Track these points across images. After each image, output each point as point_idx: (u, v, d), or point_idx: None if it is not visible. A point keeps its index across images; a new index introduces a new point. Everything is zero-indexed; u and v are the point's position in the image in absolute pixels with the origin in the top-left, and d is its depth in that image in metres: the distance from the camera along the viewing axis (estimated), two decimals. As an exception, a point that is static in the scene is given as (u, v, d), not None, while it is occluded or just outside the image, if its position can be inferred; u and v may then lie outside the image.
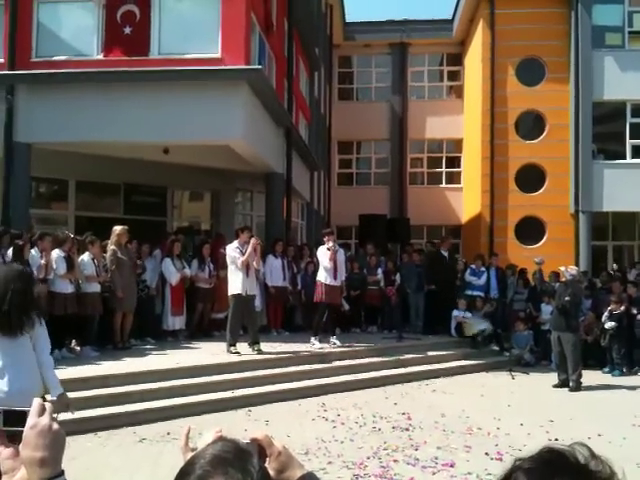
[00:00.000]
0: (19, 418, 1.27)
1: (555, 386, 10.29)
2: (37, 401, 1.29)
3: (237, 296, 9.86)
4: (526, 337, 12.60)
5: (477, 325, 12.38)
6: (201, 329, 11.74)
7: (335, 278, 10.77)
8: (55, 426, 1.26)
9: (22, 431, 1.25)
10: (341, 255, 11.05)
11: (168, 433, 7.02)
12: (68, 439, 4.47)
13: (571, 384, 10.13)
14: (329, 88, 25.53)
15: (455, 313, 12.80)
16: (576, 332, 10.46)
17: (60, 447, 1.27)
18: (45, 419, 1.26)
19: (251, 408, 8.25)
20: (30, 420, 1.25)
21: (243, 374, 9.09)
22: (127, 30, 12.23)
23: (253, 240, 10.04)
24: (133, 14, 12.30)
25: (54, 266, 9.07)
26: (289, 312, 13.04)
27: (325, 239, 10.95)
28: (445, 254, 13.94)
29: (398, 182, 25.68)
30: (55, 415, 1.29)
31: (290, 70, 16.20)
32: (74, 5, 12.72)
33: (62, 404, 4.40)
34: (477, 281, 13.52)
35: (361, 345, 11.40)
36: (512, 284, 13.92)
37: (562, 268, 10.93)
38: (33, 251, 9.04)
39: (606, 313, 11.82)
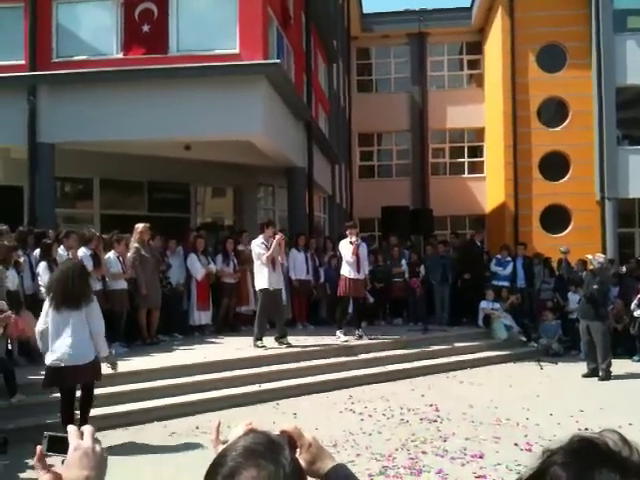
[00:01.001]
0: (62, 443, 1.28)
1: (584, 376, 10.17)
2: (73, 428, 1.31)
3: (264, 291, 9.89)
4: (554, 327, 12.47)
5: (501, 331, 12.20)
6: (227, 324, 11.81)
7: (358, 271, 10.74)
8: (97, 448, 1.28)
9: (64, 457, 1.26)
10: (363, 248, 11.01)
11: (197, 427, 7.07)
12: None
13: (601, 373, 10.01)
14: (348, 80, 25.43)
15: (483, 305, 12.67)
16: (605, 321, 10.32)
17: (103, 467, 1.28)
18: (88, 441, 1.27)
19: (278, 401, 8.28)
20: (73, 442, 1.27)
21: (270, 368, 9.12)
22: (145, 28, 12.29)
23: (278, 235, 10.04)
24: (151, 12, 12.35)
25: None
26: (314, 305, 13.04)
27: (347, 232, 10.92)
28: (478, 244, 13.89)
29: (420, 173, 25.55)
30: (96, 436, 1.31)
31: (308, 63, 16.17)
32: (92, 5, 12.81)
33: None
34: (503, 271, 13.40)
35: (387, 337, 11.36)
36: (539, 273, 13.77)
37: (589, 256, 10.79)
38: (60, 249, 9.13)
39: (635, 301, 11.65)
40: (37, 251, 9.00)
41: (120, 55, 12.33)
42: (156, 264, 10.39)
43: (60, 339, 5.95)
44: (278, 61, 12.38)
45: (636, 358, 11.58)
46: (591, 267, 10.49)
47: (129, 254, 10.08)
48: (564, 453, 0.99)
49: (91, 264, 9.24)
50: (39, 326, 6.16)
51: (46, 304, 6.14)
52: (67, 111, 11.62)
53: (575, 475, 0.96)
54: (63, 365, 5.95)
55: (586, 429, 6.94)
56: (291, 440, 1.33)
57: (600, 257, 10.71)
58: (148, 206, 14.72)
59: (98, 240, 9.70)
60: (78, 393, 6.41)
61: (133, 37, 12.33)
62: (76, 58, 12.30)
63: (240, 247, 12.06)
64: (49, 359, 6.02)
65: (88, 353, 6.04)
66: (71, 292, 5.96)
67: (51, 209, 11.95)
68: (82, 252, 9.24)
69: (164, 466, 5.86)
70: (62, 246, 9.21)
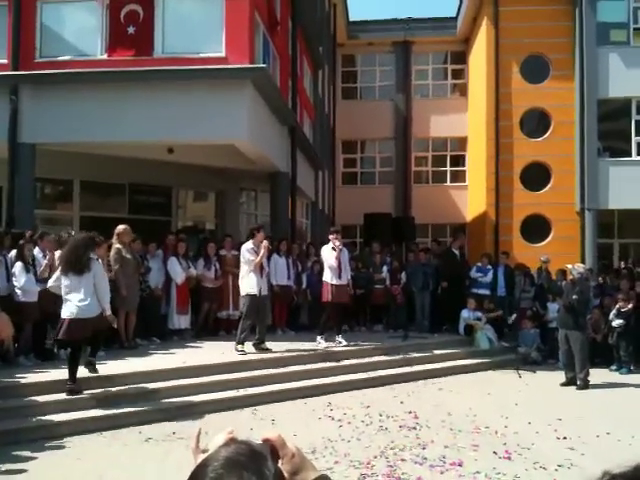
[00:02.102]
0: None
1: (562, 384, 10.22)
2: None
3: (252, 296, 9.82)
4: (533, 335, 12.54)
5: (483, 342, 12.27)
6: (207, 328, 11.73)
7: (340, 277, 10.73)
8: None
9: None
10: (345, 254, 11.02)
11: (174, 432, 6.99)
12: (73, 439, 4.43)
13: (579, 382, 10.06)
14: (333, 87, 25.49)
15: (464, 314, 12.70)
16: (584, 330, 10.39)
17: None
18: None
19: (257, 407, 8.22)
20: None
21: (249, 373, 9.06)
22: (131, 30, 12.21)
23: (265, 243, 10.00)
24: (137, 14, 12.27)
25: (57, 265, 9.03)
26: (294, 311, 13.00)
27: (331, 237, 10.91)
28: (456, 252, 13.87)
29: (403, 181, 25.64)
30: None
31: (294, 69, 16.17)
32: (77, 5, 12.70)
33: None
34: (483, 278, 13.48)
35: (367, 344, 11.35)
36: (519, 283, 13.86)
37: (569, 266, 10.86)
38: (35, 251, 9.00)
39: (614, 311, 11.75)
40: (13, 252, 8.87)
41: (105, 56, 12.23)
42: (136, 267, 10.29)
43: (71, 298, 7.33)
44: (264, 66, 12.37)
45: (614, 367, 11.67)
46: (571, 277, 10.55)
47: (111, 254, 9.97)
48: (624, 478, 0.95)
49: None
50: (50, 283, 7.71)
51: (58, 270, 7.61)
52: (49, 112, 11.50)
53: None
54: (74, 318, 7.26)
55: (564, 438, 6.98)
56: (274, 450, 1.29)
57: (580, 267, 10.79)
58: (129, 208, 14.59)
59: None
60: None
61: (118, 38, 12.24)
62: (60, 58, 12.18)
63: (223, 252, 12.00)
64: (64, 314, 7.34)
65: (94, 309, 7.40)
66: (76, 261, 7.36)
67: (30, 210, 11.80)
68: (59, 254, 9.11)
69: (140, 473, 5.77)
70: (37, 248, 9.07)
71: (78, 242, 7.54)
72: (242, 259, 10.01)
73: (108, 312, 7.62)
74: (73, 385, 7.39)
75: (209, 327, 11.77)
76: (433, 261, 13.95)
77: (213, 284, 11.63)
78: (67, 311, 7.34)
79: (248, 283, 9.87)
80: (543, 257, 14.29)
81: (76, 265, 7.36)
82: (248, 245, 10.00)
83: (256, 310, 9.86)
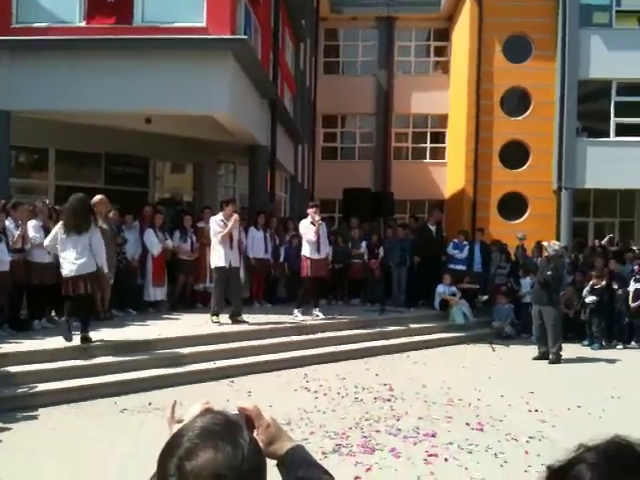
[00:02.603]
0: None
1: (535, 358, 10.39)
2: None
3: (221, 268, 9.82)
4: (507, 310, 12.71)
5: (459, 317, 12.38)
6: (183, 300, 11.69)
7: (319, 251, 10.74)
8: None
9: None
10: (324, 228, 11.03)
11: (150, 404, 7.00)
12: (48, 410, 4.42)
13: (551, 356, 10.24)
14: (315, 61, 25.24)
15: (440, 289, 12.80)
16: (557, 306, 10.55)
17: None
18: None
19: (233, 379, 8.25)
20: None
21: (225, 345, 9.08)
22: (110, -3, 11.95)
23: (235, 216, 9.96)
24: (116, -19, 12.01)
25: (30, 236, 8.91)
26: (271, 284, 13.01)
27: (311, 212, 10.88)
28: (432, 228, 13.90)
29: (382, 157, 25.60)
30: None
31: (276, 41, 15.97)
32: (55, -30, 12.39)
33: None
34: (459, 254, 13.59)
35: (344, 317, 11.42)
36: (495, 259, 13.99)
37: (545, 243, 10.98)
38: (7, 221, 8.84)
39: (587, 288, 11.94)
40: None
41: (83, 24, 11.96)
42: (113, 238, 10.19)
43: (69, 257, 7.82)
44: (245, 37, 12.18)
45: (586, 343, 11.88)
46: (546, 254, 10.67)
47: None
48: (597, 453, 0.96)
49: (42, 236, 9.01)
50: (46, 242, 8.18)
51: (56, 228, 8.04)
52: (25, 78, 11.25)
53: (599, 478, 0.93)
54: (73, 275, 7.79)
55: (536, 410, 7.11)
56: (249, 420, 1.29)
57: (555, 244, 10.91)
58: (105, 179, 14.38)
59: (49, 212, 9.47)
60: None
61: (97, 6, 11.96)
62: (37, 25, 11.89)
63: (200, 224, 11.93)
64: (63, 272, 7.88)
65: (91, 266, 7.91)
66: (75, 221, 7.86)
67: (5, 179, 11.58)
68: (32, 224, 9.00)
69: (115, 443, 5.77)
70: (10, 217, 8.91)
71: (78, 203, 8.02)
72: (211, 232, 10.01)
73: (106, 270, 8.56)
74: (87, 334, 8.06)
75: (186, 299, 11.74)
76: (410, 237, 14.01)
77: (189, 256, 11.58)
78: (65, 270, 7.87)
79: (216, 255, 9.88)
80: (519, 234, 14.46)
81: (79, 225, 7.86)
82: (217, 218, 10.00)
83: (226, 282, 9.84)
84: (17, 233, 8.75)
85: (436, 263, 13.49)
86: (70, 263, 7.81)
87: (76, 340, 8.02)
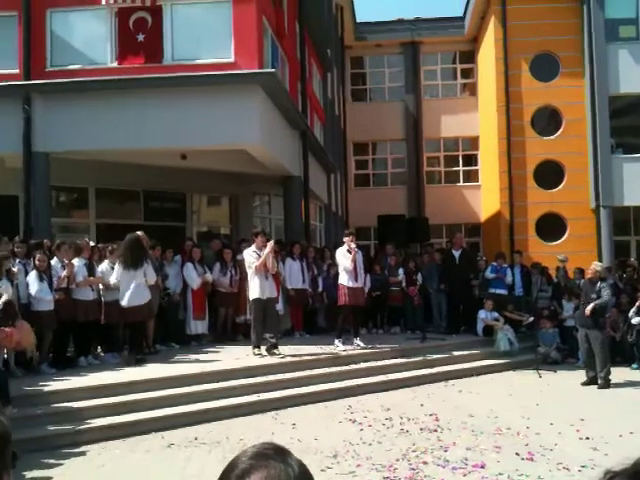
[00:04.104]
0: None
1: (583, 384, 10.12)
2: None
3: (257, 300, 9.82)
4: (552, 335, 12.43)
5: (504, 343, 12.12)
6: (225, 333, 11.72)
7: (356, 280, 10.70)
8: None
9: None
10: (359, 256, 10.98)
11: (196, 438, 7.00)
12: (96, 446, 4.46)
13: (600, 381, 9.97)
14: (342, 89, 25.48)
15: (482, 315, 12.58)
16: (603, 329, 10.29)
17: None
18: None
19: (277, 411, 8.21)
20: None
21: (268, 377, 9.04)
22: (140, 37, 12.28)
23: (270, 243, 9.99)
24: (145, 21, 12.34)
25: (75, 274, 9.09)
26: (310, 314, 12.98)
27: (346, 240, 10.87)
28: (456, 254, 13.63)
29: (415, 182, 25.57)
30: None
31: (303, 72, 16.18)
32: (86, 13, 12.77)
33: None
34: (497, 277, 13.33)
35: (385, 346, 11.31)
36: (536, 282, 13.74)
37: (594, 265, 10.71)
38: (53, 261, 9.05)
39: (634, 309, 11.64)
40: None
41: (115, 64, 12.30)
42: (156, 273, 10.31)
43: (128, 289, 8.97)
44: (273, 70, 12.36)
45: (635, 366, 11.54)
46: (589, 276, 10.45)
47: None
48: (628, 477, 0.94)
49: (85, 274, 9.18)
50: (113, 280, 9.24)
51: (117, 266, 9.19)
52: (62, 120, 11.55)
53: None
54: (133, 305, 8.97)
55: (587, 438, 6.92)
56: None
57: (598, 265, 10.70)
58: (144, 215, 14.64)
59: (92, 250, 9.65)
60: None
61: (127, 46, 12.31)
62: (70, 67, 12.26)
63: (239, 257, 12.00)
64: (123, 303, 9.01)
65: (147, 296, 9.19)
66: (133, 257, 9.09)
67: (47, 219, 11.84)
68: (76, 262, 9.17)
69: (163, 478, 5.77)
70: (55, 257, 9.12)
71: (134, 241, 9.29)
72: (245, 264, 10.05)
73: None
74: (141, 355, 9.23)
75: (228, 332, 11.77)
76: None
77: (227, 290, 11.62)
78: (126, 300, 8.99)
79: (253, 287, 9.88)
80: (560, 256, 14.13)
81: (136, 261, 9.06)
82: (250, 250, 10.03)
83: (263, 313, 9.83)
84: (63, 274, 8.91)
85: (466, 289, 13.27)
86: (130, 295, 8.94)
87: (123, 376, 8.08)
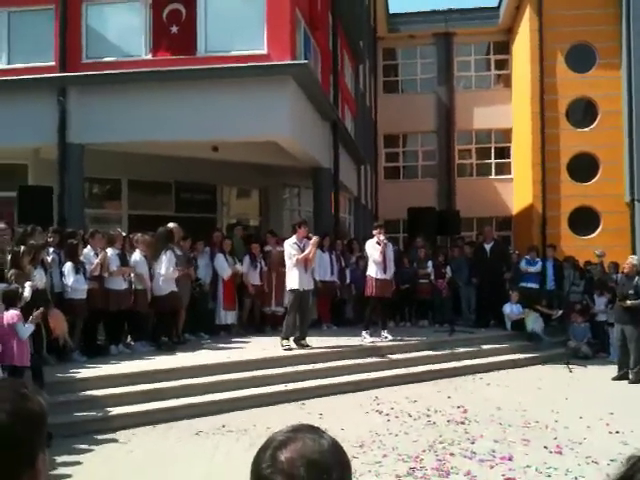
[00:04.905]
0: None
1: (614, 378, 9.99)
2: None
3: (295, 291, 9.84)
4: (583, 329, 12.28)
5: (535, 323, 12.05)
6: (253, 324, 11.81)
7: (385, 272, 10.69)
8: None
9: None
10: (390, 249, 10.96)
11: (223, 426, 7.10)
12: (126, 432, 4.58)
13: (631, 376, 9.83)
14: (374, 81, 25.36)
15: (507, 310, 12.47)
16: (639, 326, 10.09)
17: None
18: None
19: (304, 401, 8.27)
20: None
21: (296, 368, 9.12)
22: (174, 29, 12.36)
23: (316, 238, 10.00)
24: (179, 13, 12.42)
25: (109, 264, 9.25)
26: (338, 306, 13.00)
27: (375, 232, 10.87)
28: (487, 247, 13.51)
29: (446, 174, 25.38)
30: None
31: (335, 64, 16.15)
32: (121, 6, 12.91)
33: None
34: (532, 268, 13.19)
35: (413, 339, 11.29)
36: (569, 276, 13.58)
37: (631, 259, 10.52)
38: (86, 250, 9.22)
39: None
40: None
41: (149, 56, 12.41)
42: (187, 264, 10.45)
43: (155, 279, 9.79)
44: (306, 62, 12.37)
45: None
46: (626, 270, 10.26)
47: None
48: None
49: (118, 264, 9.34)
50: (165, 270, 9.68)
51: (167, 255, 9.74)
52: (96, 112, 11.73)
53: None
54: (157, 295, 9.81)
55: (617, 432, 6.84)
56: None
57: (635, 259, 10.51)
58: (175, 206, 14.81)
59: (124, 240, 9.81)
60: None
61: (161, 38, 12.41)
62: (105, 59, 12.41)
63: (267, 248, 12.07)
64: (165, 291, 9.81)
65: (169, 286, 9.82)
66: (159, 249, 9.86)
67: (80, 209, 12.07)
68: (110, 252, 9.34)
69: (192, 464, 5.88)
70: (89, 246, 9.30)
71: (161, 235, 9.96)
72: (286, 255, 10.06)
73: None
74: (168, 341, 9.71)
75: (256, 323, 11.87)
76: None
77: (254, 283, 11.64)
78: (153, 289, 9.82)
79: (291, 278, 9.91)
80: (598, 251, 13.84)
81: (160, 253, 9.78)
82: (291, 241, 10.03)
83: (299, 305, 9.88)
84: (96, 261, 9.08)
85: (498, 282, 13.16)
86: (155, 285, 9.64)
87: (154, 365, 8.22)
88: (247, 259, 11.68)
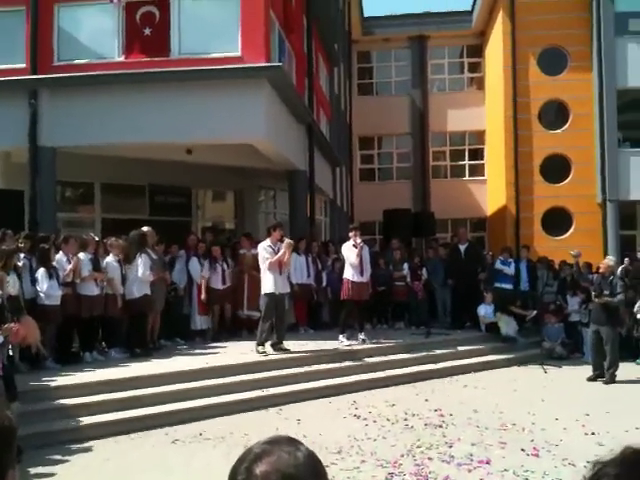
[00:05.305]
0: None
1: (589, 379, 10.08)
2: None
3: (270, 295, 9.74)
4: (557, 330, 12.41)
5: (508, 326, 12.15)
6: (226, 329, 11.65)
7: (362, 274, 10.68)
8: None
9: None
10: (366, 251, 10.96)
11: (200, 433, 7.02)
12: (101, 442, 4.48)
13: (606, 377, 9.94)
14: (349, 84, 25.41)
15: (481, 312, 12.55)
16: (615, 326, 10.19)
17: None
18: None
19: (282, 407, 8.22)
20: None
21: (272, 373, 9.06)
22: (147, 31, 12.24)
23: (289, 240, 9.94)
24: (152, 15, 12.30)
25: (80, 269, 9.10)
26: (314, 309, 12.97)
27: (351, 235, 10.85)
28: (462, 248, 13.59)
29: (421, 176, 25.52)
30: None
31: (310, 67, 16.13)
32: (94, 8, 12.74)
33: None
34: (508, 270, 13.29)
35: (389, 341, 11.31)
36: (542, 276, 13.71)
37: (607, 259, 10.64)
38: (58, 255, 9.06)
39: (638, 304, 11.60)
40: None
41: (122, 58, 12.27)
42: (162, 268, 10.33)
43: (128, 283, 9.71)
44: (280, 64, 12.33)
45: (639, 361, 11.52)
46: (602, 270, 10.35)
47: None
48: (617, 465, 0.96)
49: (90, 269, 9.19)
50: (139, 273, 9.60)
51: (139, 260, 9.63)
52: (68, 115, 11.56)
53: None
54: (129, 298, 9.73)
55: (593, 433, 6.91)
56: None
57: (611, 260, 10.63)
58: (149, 210, 14.66)
59: (97, 244, 9.67)
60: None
61: (134, 40, 12.27)
62: (77, 61, 12.23)
63: (242, 251, 11.99)
64: (140, 294, 9.69)
65: (142, 290, 9.70)
66: (128, 253, 9.68)
67: (52, 213, 11.88)
68: (82, 256, 9.19)
69: (168, 473, 5.79)
70: (61, 252, 9.13)
71: (135, 238, 9.83)
72: (260, 258, 9.97)
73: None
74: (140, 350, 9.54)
75: (227, 328, 11.61)
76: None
77: (216, 287, 11.34)
78: (125, 293, 9.69)
79: (266, 282, 9.80)
80: (574, 252, 13.92)
81: (127, 256, 9.63)
82: (265, 244, 9.95)
83: (274, 309, 9.82)
84: (69, 267, 8.93)
85: (473, 283, 13.22)
86: (127, 288, 9.59)
87: (128, 372, 8.11)
88: (207, 263, 11.33)
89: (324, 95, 19.75)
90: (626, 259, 14.64)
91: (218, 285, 11.39)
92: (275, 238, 9.91)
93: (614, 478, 0.95)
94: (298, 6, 15.65)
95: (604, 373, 10.00)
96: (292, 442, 1.19)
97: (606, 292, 9.90)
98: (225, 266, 11.56)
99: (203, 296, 11.13)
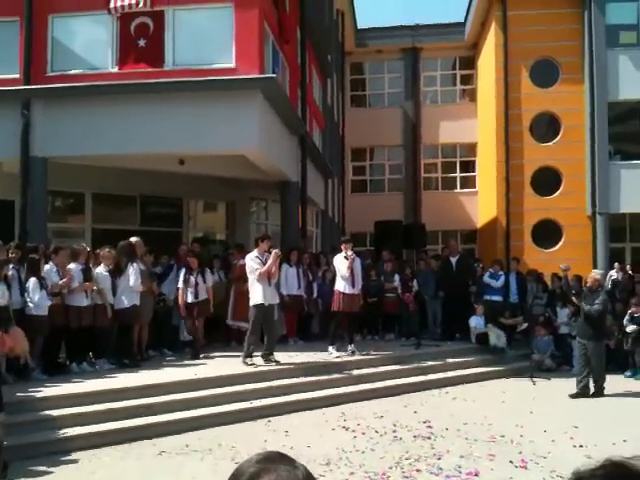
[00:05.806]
0: None
1: (572, 396, 9.83)
2: None
3: (259, 306, 9.68)
4: (547, 342, 12.42)
5: (498, 339, 12.17)
6: (215, 339, 11.58)
7: (353, 286, 10.69)
8: None
9: None
10: (357, 263, 10.96)
11: (187, 445, 6.99)
12: (87, 453, 4.46)
13: (593, 389, 9.94)
14: (342, 95, 25.52)
15: (472, 323, 12.57)
16: (602, 340, 10.19)
17: None
18: None
19: (270, 419, 8.20)
20: None
21: (261, 384, 9.03)
22: (141, 42, 12.29)
23: (276, 251, 9.94)
24: (147, 26, 12.35)
25: (73, 279, 9.09)
26: (305, 321, 12.96)
27: (342, 247, 10.87)
28: (453, 260, 13.62)
29: (412, 188, 25.61)
30: None
31: (303, 78, 16.20)
32: (88, 19, 12.78)
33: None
34: (495, 284, 13.34)
35: (379, 353, 11.31)
36: (532, 289, 13.75)
37: (594, 273, 10.66)
38: (47, 266, 9.03)
39: (627, 316, 11.64)
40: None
41: (115, 69, 12.31)
42: (150, 279, 10.31)
43: (118, 293, 9.71)
44: (274, 75, 12.39)
45: (627, 374, 11.54)
46: (589, 284, 10.35)
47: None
48: (594, 477, 0.97)
49: (81, 279, 9.17)
50: (131, 283, 9.66)
51: (131, 270, 9.68)
52: (61, 125, 11.57)
53: None
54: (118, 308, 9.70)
55: (581, 446, 6.92)
56: None
57: (597, 273, 10.66)
58: (140, 220, 14.64)
59: (88, 255, 9.65)
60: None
61: (129, 51, 12.31)
62: (71, 72, 12.26)
63: (235, 261, 11.97)
64: (131, 303, 9.70)
65: (131, 300, 9.70)
66: (119, 263, 9.70)
67: (43, 223, 11.85)
68: (73, 267, 9.17)
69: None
70: (50, 262, 9.10)
71: (123, 249, 9.87)
72: (247, 269, 9.93)
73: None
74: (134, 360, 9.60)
75: (198, 345, 10.80)
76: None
77: (188, 300, 10.61)
78: (114, 303, 9.69)
79: (255, 293, 9.75)
80: (563, 265, 13.93)
81: (118, 267, 9.68)
82: (252, 255, 9.92)
83: (262, 320, 9.77)
84: (62, 282, 8.90)
85: (463, 295, 13.26)
86: (116, 298, 9.59)
87: (116, 382, 8.07)
88: (182, 274, 10.68)
89: (317, 106, 19.83)
90: (616, 264, 14.64)
91: (189, 298, 10.60)
92: (263, 249, 9.91)
93: None
94: (292, 18, 15.74)
95: (587, 389, 9.96)
96: (288, 460, 1.17)
97: (594, 307, 9.87)
98: (201, 279, 10.77)
99: (182, 310, 10.65)
